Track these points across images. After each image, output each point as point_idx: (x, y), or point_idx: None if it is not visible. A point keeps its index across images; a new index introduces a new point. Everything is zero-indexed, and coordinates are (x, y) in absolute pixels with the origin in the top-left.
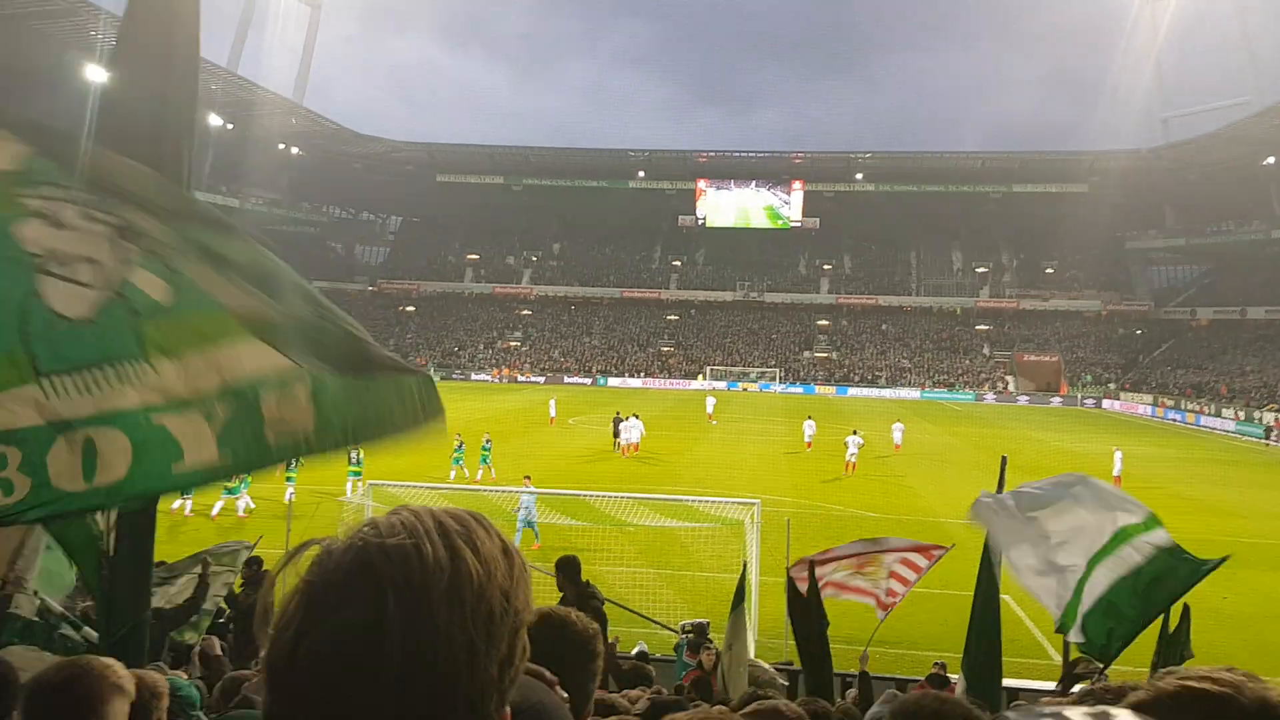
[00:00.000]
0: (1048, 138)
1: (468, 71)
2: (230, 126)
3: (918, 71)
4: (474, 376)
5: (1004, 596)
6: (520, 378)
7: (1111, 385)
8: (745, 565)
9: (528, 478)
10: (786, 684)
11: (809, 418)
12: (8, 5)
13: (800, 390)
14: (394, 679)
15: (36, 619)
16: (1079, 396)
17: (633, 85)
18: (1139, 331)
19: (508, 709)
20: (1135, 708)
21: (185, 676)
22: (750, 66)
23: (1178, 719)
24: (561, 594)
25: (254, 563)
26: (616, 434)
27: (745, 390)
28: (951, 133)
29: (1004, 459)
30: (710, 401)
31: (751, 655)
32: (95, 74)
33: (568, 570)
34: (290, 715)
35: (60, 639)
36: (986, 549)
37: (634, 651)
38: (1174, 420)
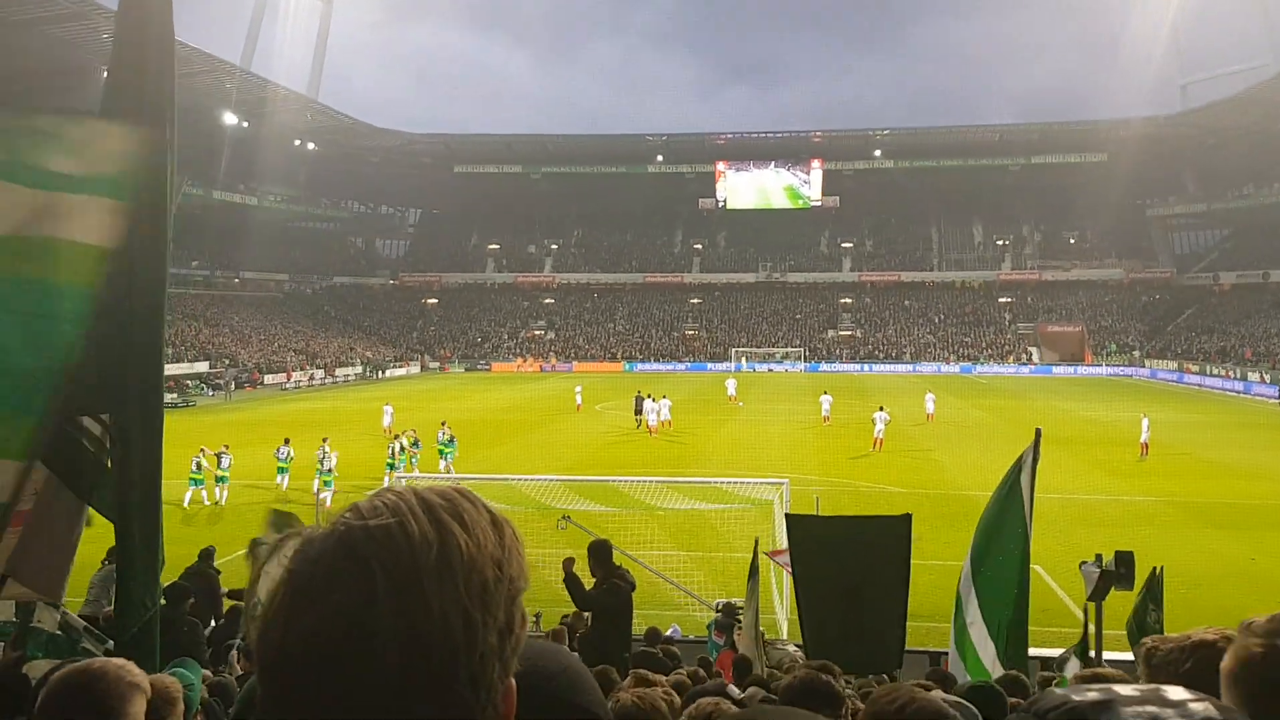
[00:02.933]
0: (1068, 107)
1: (490, 57)
2: (246, 124)
3: (942, 43)
4: (498, 366)
5: (1034, 567)
6: (546, 366)
7: (1136, 353)
8: (756, 542)
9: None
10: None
11: (825, 393)
12: (17, 10)
13: (831, 369)
14: (391, 658)
15: (59, 633)
16: (1103, 365)
17: (659, 64)
18: (1159, 298)
19: (512, 679)
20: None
21: (211, 675)
22: (777, 40)
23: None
24: (594, 578)
25: (206, 552)
26: (639, 411)
27: (771, 372)
28: (973, 105)
29: (1038, 431)
30: (731, 384)
31: (784, 634)
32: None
33: (599, 554)
34: (288, 707)
35: (83, 652)
36: (1010, 519)
37: (668, 633)
38: (1199, 385)
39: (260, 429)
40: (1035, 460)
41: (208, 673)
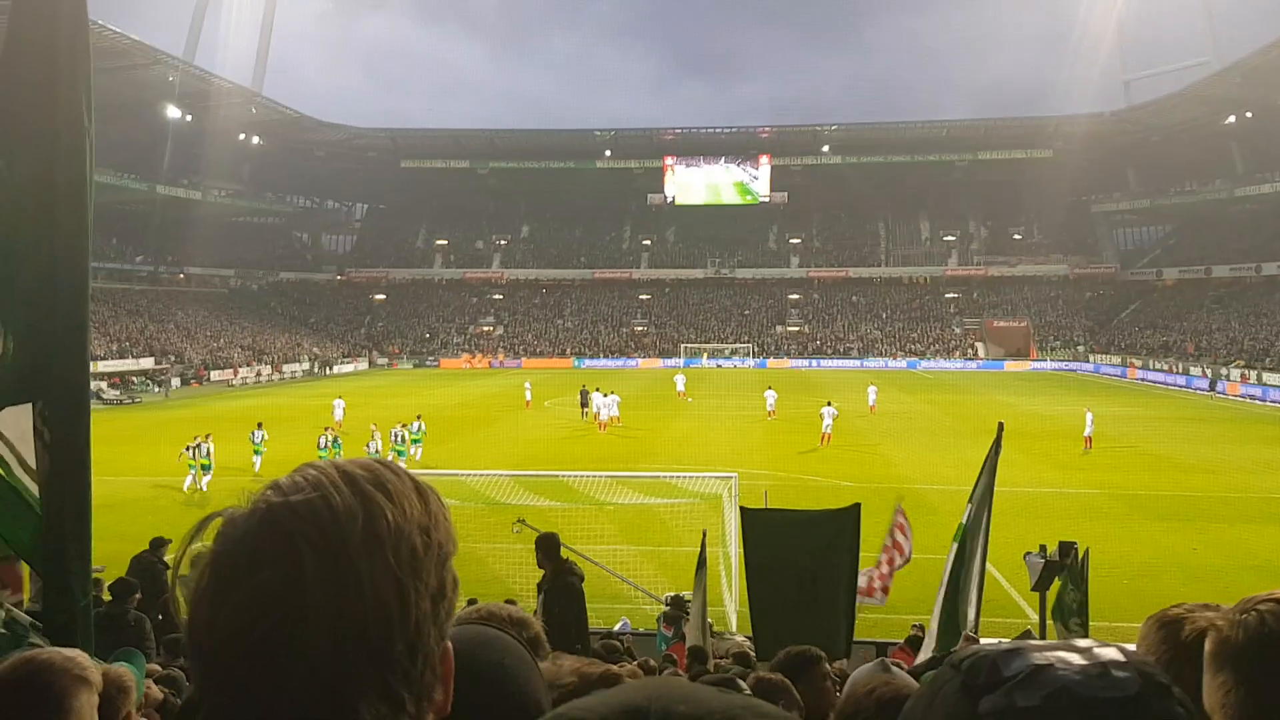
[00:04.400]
0: (1021, 103)
1: (443, 50)
2: (189, 118)
3: (897, 38)
4: (446, 362)
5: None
6: (495, 362)
7: (1080, 348)
8: (704, 535)
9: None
10: (752, 652)
11: (769, 387)
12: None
13: (791, 364)
14: (324, 632)
15: (3, 630)
16: (1048, 360)
17: (616, 58)
18: (1103, 293)
19: (448, 642)
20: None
21: (160, 669)
22: (735, 35)
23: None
24: (541, 570)
25: (157, 541)
26: (585, 404)
27: (719, 368)
28: (929, 100)
29: (1000, 425)
30: (680, 379)
31: (733, 627)
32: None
33: (546, 548)
34: (223, 689)
35: (30, 646)
36: (975, 505)
37: (617, 627)
38: (1142, 380)
39: (205, 425)
40: (997, 453)
41: (156, 666)
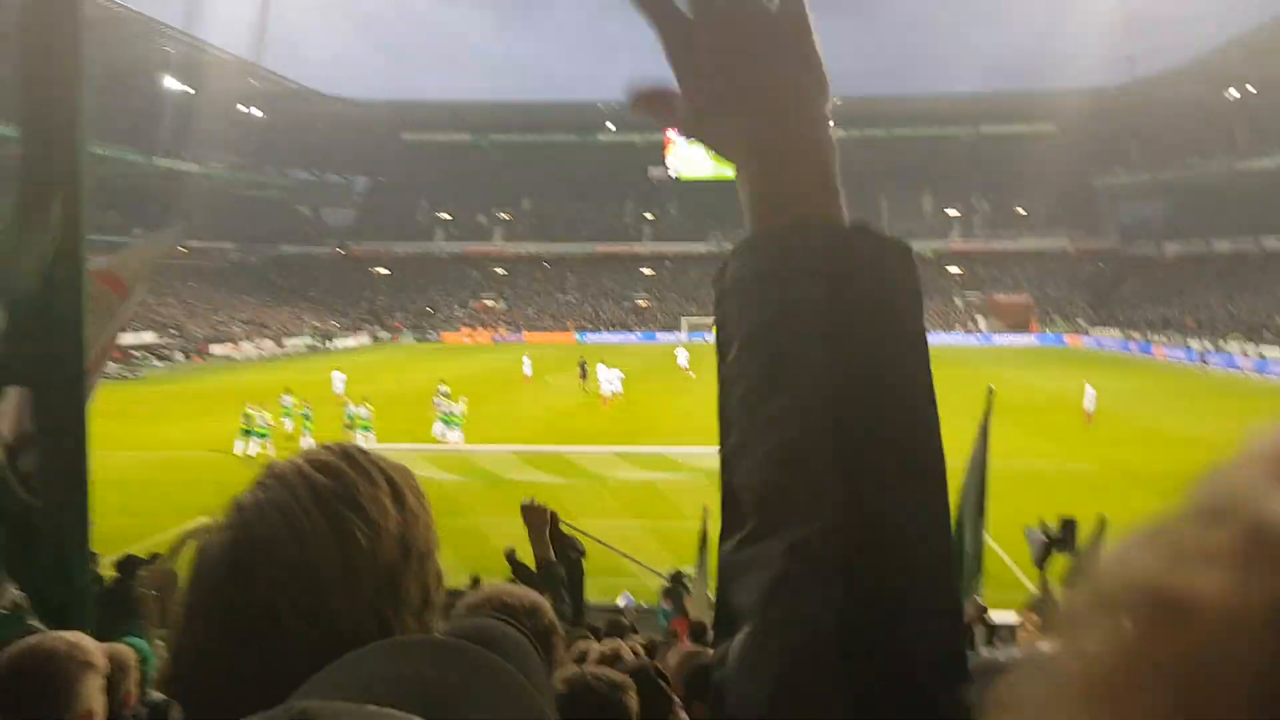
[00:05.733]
0: (1017, 77)
1: (449, 18)
2: (188, 90)
3: (897, 9)
4: (448, 336)
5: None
6: (496, 336)
7: (1081, 321)
8: (706, 510)
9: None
10: None
11: None
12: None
13: None
14: (305, 669)
15: (4, 611)
16: (1048, 333)
17: (626, 25)
18: (1104, 267)
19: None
20: None
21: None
22: None
23: None
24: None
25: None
26: (583, 375)
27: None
28: (938, 72)
29: (990, 389)
30: (682, 354)
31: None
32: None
33: (544, 522)
34: (202, 713)
35: (29, 629)
36: (971, 476)
37: (620, 602)
38: (1143, 354)
39: (210, 400)
40: (988, 419)
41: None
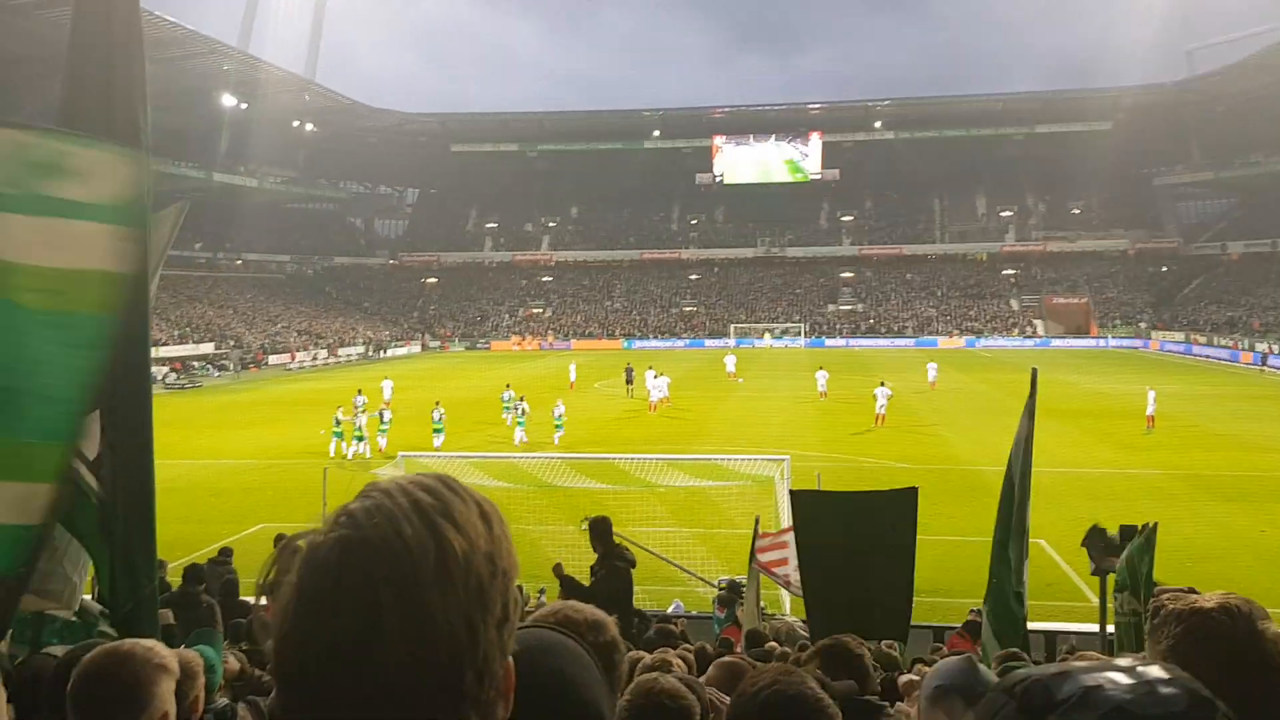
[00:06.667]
0: (1074, 76)
1: (497, 29)
2: (244, 106)
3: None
4: (497, 345)
5: (1039, 541)
6: (545, 344)
7: (1142, 324)
8: (757, 520)
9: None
10: (806, 635)
11: (820, 368)
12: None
13: (846, 344)
14: (399, 669)
15: (75, 618)
16: (1109, 337)
17: (672, 32)
18: (1166, 269)
19: (510, 659)
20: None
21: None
22: (795, 3)
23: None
24: (594, 553)
25: (225, 551)
26: (629, 381)
27: (770, 348)
28: (992, 71)
29: (1034, 371)
30: (730, 360)
31: (786, 609)
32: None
33: (598, 530)
34: (301, 713)
35: (100, 635)
36: (1010, 490)
37: (670, 609)
38: (1207, 357)
39: (267, 409)
40: (1033, 400)
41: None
